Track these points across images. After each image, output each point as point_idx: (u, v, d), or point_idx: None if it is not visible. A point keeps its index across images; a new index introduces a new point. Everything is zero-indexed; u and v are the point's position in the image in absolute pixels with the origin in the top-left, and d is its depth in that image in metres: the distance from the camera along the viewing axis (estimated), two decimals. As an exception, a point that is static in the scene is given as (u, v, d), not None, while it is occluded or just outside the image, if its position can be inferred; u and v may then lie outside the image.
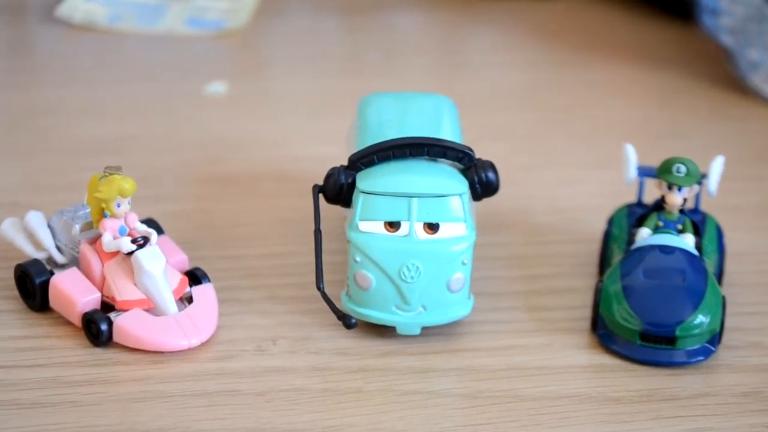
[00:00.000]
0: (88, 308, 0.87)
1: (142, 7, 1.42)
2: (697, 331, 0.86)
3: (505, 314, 0.93)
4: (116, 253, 0.88)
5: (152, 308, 0.87)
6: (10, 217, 0.93)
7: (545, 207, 1.07)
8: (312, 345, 0.88)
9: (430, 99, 0.96)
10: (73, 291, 0.87)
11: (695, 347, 0.87)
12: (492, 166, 0.89)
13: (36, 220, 0.92)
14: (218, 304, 0.90)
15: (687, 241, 0.91)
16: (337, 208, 0.96)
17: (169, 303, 0.88)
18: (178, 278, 0.89)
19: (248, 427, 0.81)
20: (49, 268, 0.90)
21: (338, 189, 0.88)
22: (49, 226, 0.92)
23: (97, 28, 1.40)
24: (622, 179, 0.97)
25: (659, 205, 0.94)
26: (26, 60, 1.37)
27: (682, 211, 0.93)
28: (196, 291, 0.90)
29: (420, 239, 0.86)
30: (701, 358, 0.87)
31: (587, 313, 0.92)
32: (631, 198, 1.03)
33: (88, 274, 0.89)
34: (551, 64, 1.37)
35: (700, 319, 0.87)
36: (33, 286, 0.89)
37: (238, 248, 1.00)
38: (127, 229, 0.88)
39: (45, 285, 0.89)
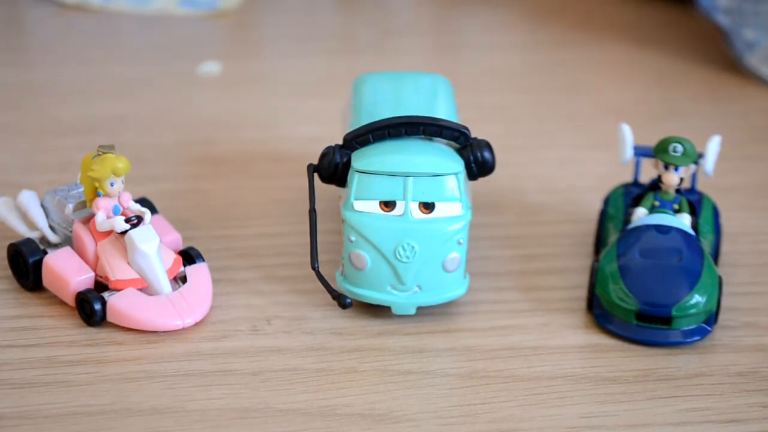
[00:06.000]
0: (81, 288, 0.87)
1: (136, -13, 1.41)
2: (693, 311, 0.86)
3: (501, 294, 0.92)
4: (110, 232, 0.88)
5: (146, 288, 0.87)
6: (2, 196, 0.92)
7: (541, 187, 1.07)
8: (307, 325, 0.88)
9: (426, 78, 0.96)
10: (67, 270, 0.87)
11: (691, 327, 0.87)
12: (488, 146, 0.89)
13: (29, 199, 0.91)
14: (212, 284, 0.90)
15: (683, 221, 0.91)
16: (332, 188, 0.96)
17: (163, 282, 0.87)
18: (172, 258, 0.89)
19: (243, 407, 0.80)
20: (42, 247, 0.90)
21: (333, 168, 0.88)
22: (42, 206, 0.91)
23: (90, 7, 1.39)
24: (618, 159, 0.96)
25: (655, 185, 0.94)
26: (19, 39, 1.37)
27: (678, 191, 0.93)
28: (191, 270, 0.90)
29: (415, 219, 0.86)
30: (697, 338, 0.87)
31: (583, 293, 0.92)
32: (628, 178, 1.03)
33: (81, 254, 0.88)
34: (547, 45, 1.37)
35: (696, 299, 0.86)
36: (26, 265, 0.89)
37: (232, 228, 0.99)
38: (121, 209, 0.88)
39: (38, 264, 0.89)
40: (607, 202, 0.97)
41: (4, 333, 0.86)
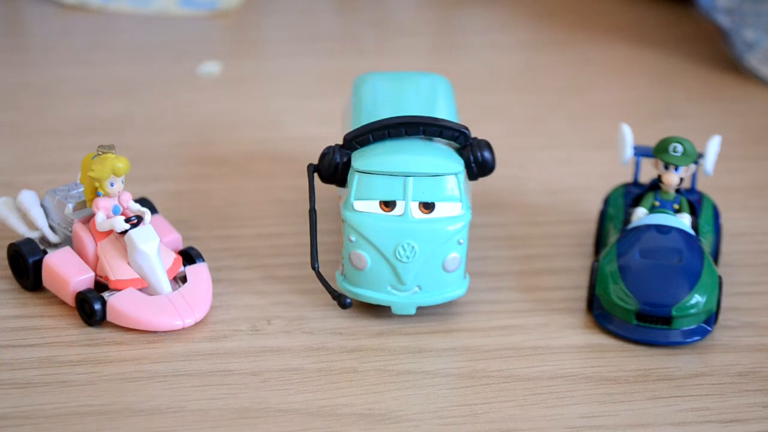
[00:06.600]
0: (81, 288, 0.87)
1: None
2: (693, 311, 0.86)
3: (501, 294, 0.92)
4: (110, 232, 0.88)
5: (146, 288, 0.87)
6: (3, 196, 0.92)
7: (541, 187, 1.07)
8: (307, 325, 0.88)
9: (426, 78, 0.96)
10: (67, 270, 0.87)
11: (691, 327, 0.87)
12: (488, 146, 0.89)
13: (29, 199, 0.91)
14: (212, 284, 0.90)
15: (683, 221, 0.91)
16: (332, 188, 0.96)
17: (163, 282, 0.87)
18: (172, 257, 0.89)
19: (242, 407, 0.80)
20: (42, 247, 0.90)
21: (333, 168, 0.88)
22: (42, 206, 0.91)
23: (90, 8, 1.39)
24: (618, 159, 0.96)
25: (655, 185, 0.94)
26: (18, 39, 1.37)
27: (678, 191, 0.93)
28: (191, 270, 0.90)
29: (415, 219, 0.86)
30: (697, 338, 0.87)
31: (583, 293, 0.92)
32: (628, 178, 1.03)
33: (81, 254, 0.88)
34: (547, 45, 1.37)
35: (696, 299, 0.86)
36: (26, 265, 0.89)
37: (232, 228, 0.99)
38: (121, 209, 0.88)
39: (38, 264, 0.89)
40: (607, 202, 0.97)
41: (5, 333, 0.86)
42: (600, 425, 0.80)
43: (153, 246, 0.87)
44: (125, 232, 0.87)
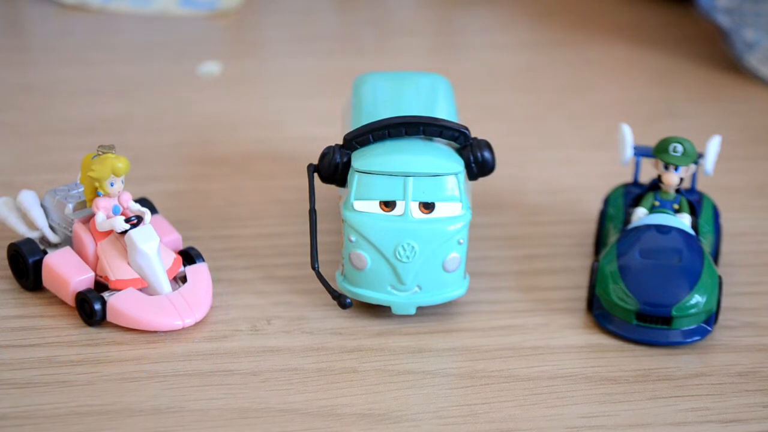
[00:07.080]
0: (81, 288, 0.87)
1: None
2: (693, 311, 0.86)
3: (501, 294, 0.92)
4: (110, 232, 0.88)
5: (146, 288, 0.87)
6: (3, 196, 0.92)
7: (541, 187, 1.07)
8: (307, 325, 0.88)
9: (426, 78, 0.96)
10: (67, 270, 0.87)
11: (691, 327, 0.87)
12: (488, 146, 0.89)
13: (29, 199, 0.91)
14: (212, 284, 0.90)
15: (683, 221, 0.91)
16: (332, 189, 0.96)
17: (163, 282, 0.87)
18: (172, 258, 0.89)
19: (243, 407, 0.80)
20: (42, 247, 0.90)
21: (333, 168, 0.88)
22: (42, 206, 0.91)
23: (90, 8, 1.39)
24: (618, 159, 0.96)
25: (655, 185, 0.94)
26: (18, 39, 1.37)
27: (678, 191, 0.93)
28: (191, 270, 0.90)
29: (415, 219, 0.86)
30: (697, 338, 0.87)
31: (583, 293, 0.92)
32: (628, 178, 1.03)
33: (81, 254, 0.88)
34: (547, 45, 1.37)
35: (696, 299, 0.86)
36: (26, 265, 0.89)
37: (232, 228, 0.99)
38: (121, 209, 0.88)
39: (38, 264, 0.89)
40: (607, 202, 0.97)
41: (5, 333, 0.86)
42: (600, 425, 0.80)
43: (153, 246, 0.87)
44: (125, 232, 0.87)
